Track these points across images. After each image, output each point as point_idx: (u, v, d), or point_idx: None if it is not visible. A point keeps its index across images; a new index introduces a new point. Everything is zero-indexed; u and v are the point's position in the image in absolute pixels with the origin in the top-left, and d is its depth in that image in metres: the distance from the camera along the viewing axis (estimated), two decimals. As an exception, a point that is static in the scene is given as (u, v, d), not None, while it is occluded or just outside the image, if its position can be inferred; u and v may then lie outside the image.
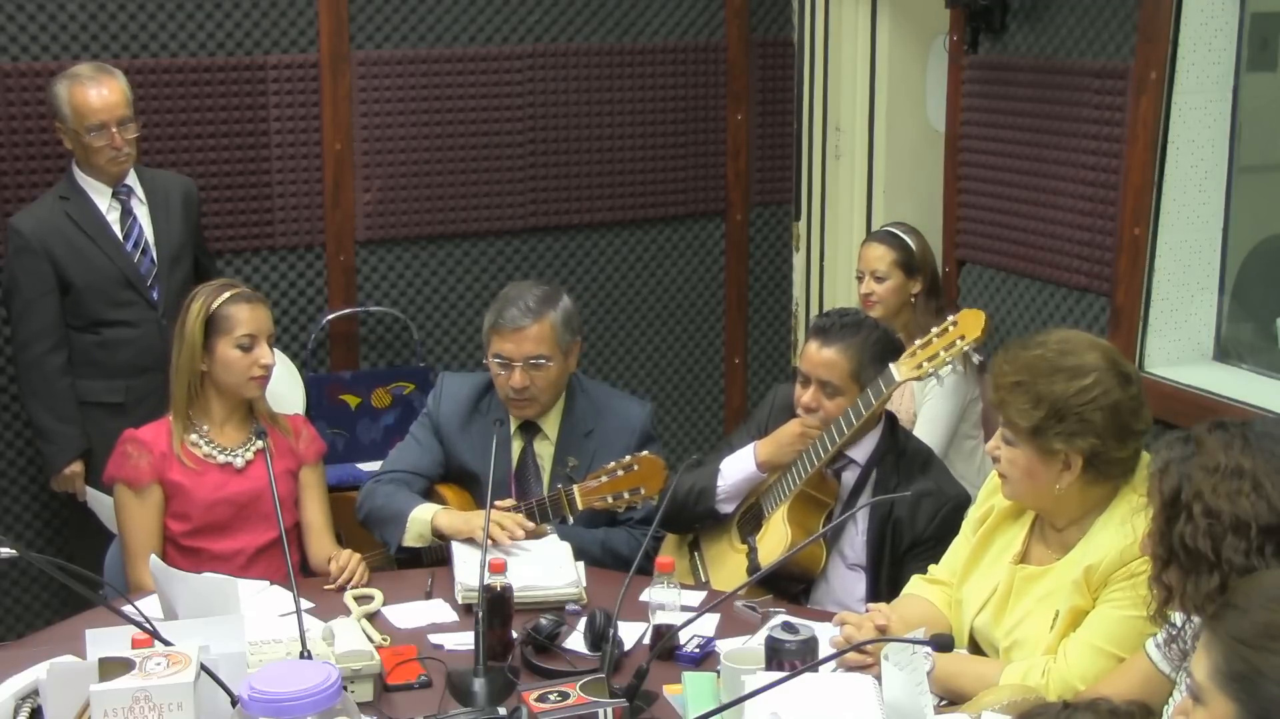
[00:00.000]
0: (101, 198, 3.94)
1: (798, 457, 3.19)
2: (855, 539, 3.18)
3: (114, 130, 3.84)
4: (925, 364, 3.02)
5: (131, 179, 3.98)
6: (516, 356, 3.34)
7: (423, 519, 3.27)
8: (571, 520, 3.31)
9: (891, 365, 3.06)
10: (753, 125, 5.20)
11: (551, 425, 3.45)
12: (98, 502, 3.86)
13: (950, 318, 3.05)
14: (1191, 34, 3.70)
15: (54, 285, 3.87)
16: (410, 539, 3.30)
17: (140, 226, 3.98)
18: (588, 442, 3.42)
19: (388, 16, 4.63)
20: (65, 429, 3.91)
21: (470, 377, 3.60)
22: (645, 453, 3.24)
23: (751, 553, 3.24)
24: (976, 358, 3.03)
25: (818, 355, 3.18)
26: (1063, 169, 4.07)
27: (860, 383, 3.13)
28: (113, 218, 3.95)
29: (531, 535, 3.22)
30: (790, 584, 3.20)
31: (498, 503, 3.20)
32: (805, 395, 3.20)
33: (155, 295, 3.96)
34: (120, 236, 3.94)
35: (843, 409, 3.13)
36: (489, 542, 3.00)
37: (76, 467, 3.92)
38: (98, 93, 3.83)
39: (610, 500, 3.21)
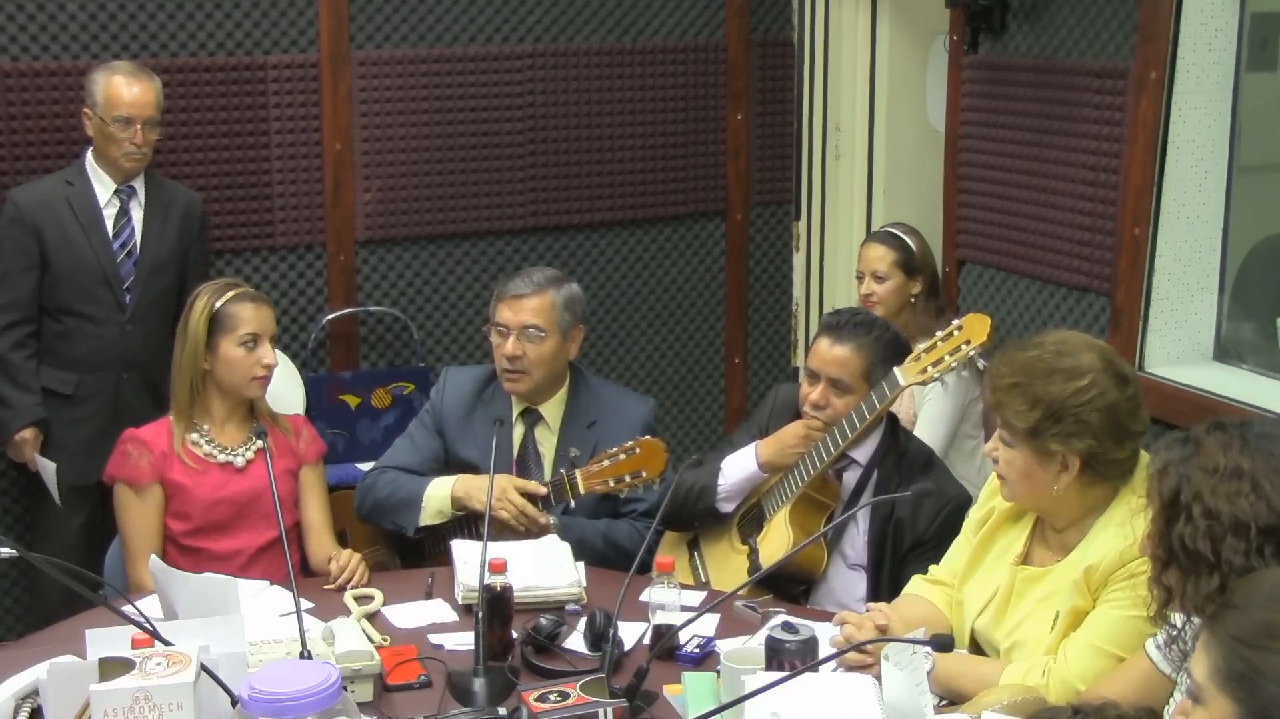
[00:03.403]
0: (104, 191, 3.99)
1: (800, 458, 3.20)
2: (856, 539, 3.18)
3: (138, 127, 3.92)
4: (930, 369, 3.02)
5: (138, 182, 4.03)
6: (513, 324, 3.38)
7: (440, 494, 3.34)
8: (573, 504, 3.32)
9: (896, 370, 3.06)
10: (753, 125, 5.20)
11: (553, 414, 3.47)
12: (45, 469, 3.92)
13: (955, 322, 3.04)
14: (1191, 34, 3.70)
15: (36, 262, 3.91)
16: (428, 518, 3.36)
17: (133, 229, 4.01)
18: (590, 432, 3.44)
19: (388, 16, 4.63)
20: (22, 396, 3.92)
21: (474, 368, 3.65)
22: (646, 436, 3.25)
23: (752, 554, 3.24)
24: (981, 362, 3.03)
25: (829, 353, 3.18)
26: (1063, 169, 4.07)
27: (870, 382, 3.13)
28: (109, 213, 3.99)
29: (532, 533, 3.23)
30: (791, 585, 3.20)
31: (520, 484, 3.27)
32: (814, 393, 3.19)
33: (127, 299, 3.99)
34: (110, 233, 3.98)
35: (850, 408, 3.13)
36: (488, 540, 3.00)
37: (28, 433, 3.93)
38: (130, 89, 3.92)
39: (612, 484, 3.22)
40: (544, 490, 3.30)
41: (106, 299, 3.97)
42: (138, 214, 4.02)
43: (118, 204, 4.00)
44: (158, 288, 4.04)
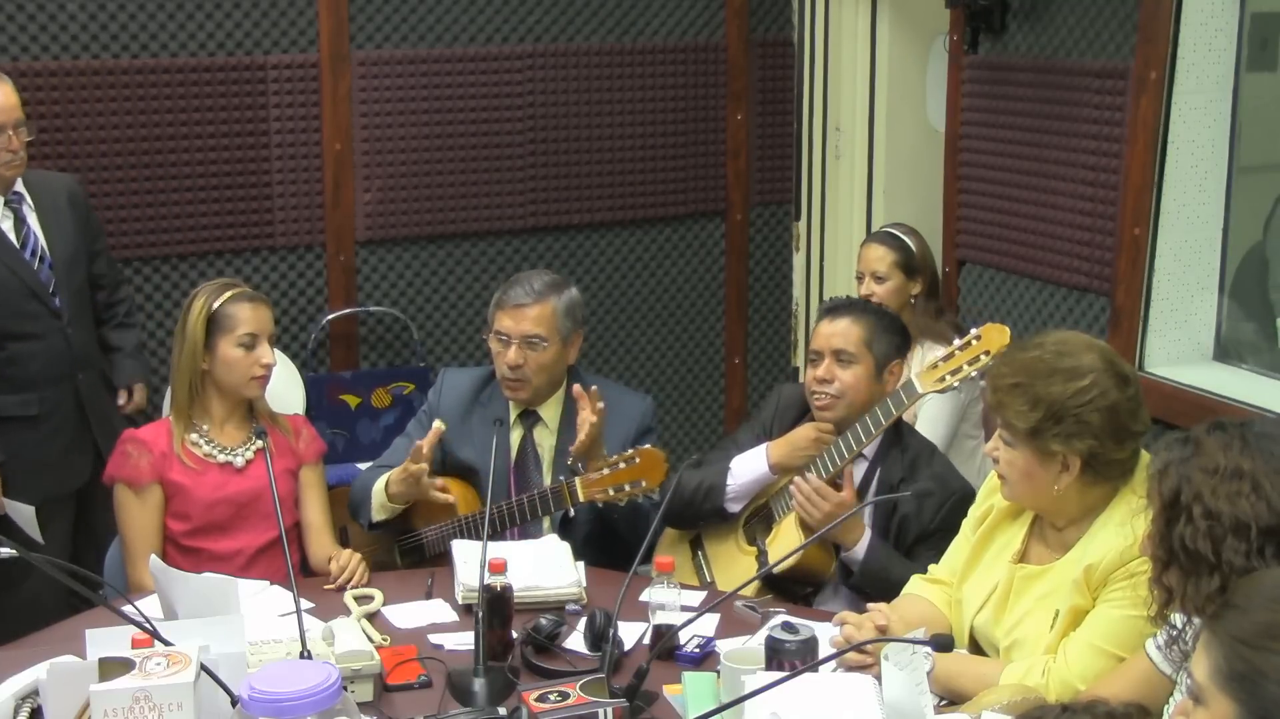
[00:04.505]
0: None
1: (810, 461, 3.20)
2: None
3: (10, 133, 3.74)
4: (949, 378, 3.04)
5: (19, 186, 3.85)
6: (515, 333, 3.37)
7: (379, 490, 3.37)
8: (572, 513, 3.31)
9: (914, 378, 3.08)
10: (753, 125, 5.20)
11: (552, 414, 3.46)
12: (16, 512, 3.69)
13: (974, 331, 3.05)
14: (1191, 34, 3.70)
15: None
16: (377, 513, 3.38)
17: (34, 234, 3.83)
18: None
19: (388, 16, 4.63)
20: None
21: (472, 370, 3.65)
22: (646, 446, 3.24)
23: (761, 555, 3.24)
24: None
25: (830, 328, 3.23)
26: (1063, 169, 4.07)
27: (873, 352, 3.17)
28: (6, 226, 3.80)
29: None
30: (799, 587, 3.20)
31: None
32: (818, 370, 3.21)
33: (58, 303, 3.84)
34: (16, 245, 3.80)
35: (858, 379, 3.17)
36: (488, 540, 3.00)
37: None
38: None
39: (611, 493, 3.21)
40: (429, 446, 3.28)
41: (40, 311, 3.80)
42: (33, 217, 3.84)
43: (11, 214, 3.81)
44: (78, 282, 3.90)
